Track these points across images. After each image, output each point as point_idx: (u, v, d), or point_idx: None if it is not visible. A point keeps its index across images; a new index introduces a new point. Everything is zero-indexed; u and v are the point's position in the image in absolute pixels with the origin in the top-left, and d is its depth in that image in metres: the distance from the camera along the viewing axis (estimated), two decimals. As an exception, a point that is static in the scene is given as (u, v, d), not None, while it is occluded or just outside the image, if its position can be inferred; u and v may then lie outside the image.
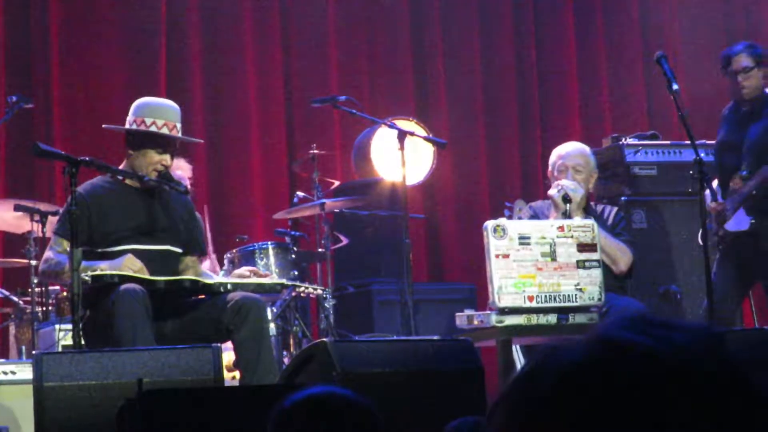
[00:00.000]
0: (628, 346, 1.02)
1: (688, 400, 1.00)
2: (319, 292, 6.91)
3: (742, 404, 1.01)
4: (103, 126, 6.05)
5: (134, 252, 5.50)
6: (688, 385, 1.00)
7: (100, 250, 5.53)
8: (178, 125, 5.71)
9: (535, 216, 6.27)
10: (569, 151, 6.37)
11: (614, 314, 5.76)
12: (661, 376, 1.00)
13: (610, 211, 6.43)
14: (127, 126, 5.71)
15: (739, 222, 6.74)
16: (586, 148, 6.44)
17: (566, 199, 6.11)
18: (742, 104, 6.94)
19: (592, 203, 6.42)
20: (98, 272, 5.32)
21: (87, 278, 5.25)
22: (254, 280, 5.74)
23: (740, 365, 1.04)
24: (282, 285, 6.00)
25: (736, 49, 7.04)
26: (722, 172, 6.90)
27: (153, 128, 5.64)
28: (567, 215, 6.03)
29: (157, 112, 5.70)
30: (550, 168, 6.42)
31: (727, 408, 1.00)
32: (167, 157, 5.68)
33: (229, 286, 5.56)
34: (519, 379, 1.06)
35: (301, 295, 7.07)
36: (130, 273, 5.36)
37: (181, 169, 7.23)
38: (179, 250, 5.74)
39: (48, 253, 5.61)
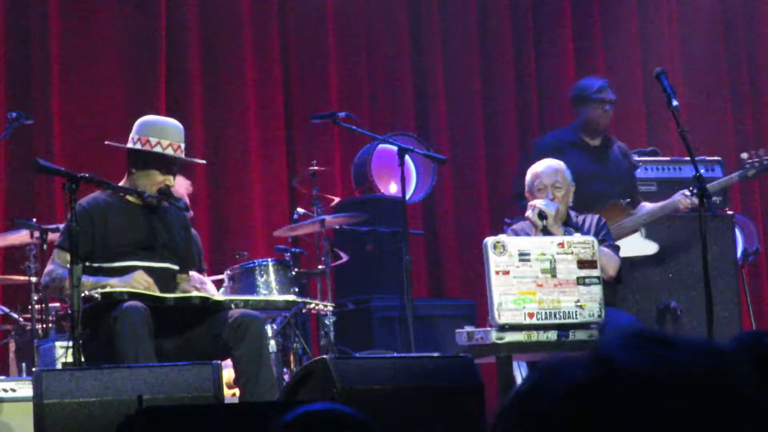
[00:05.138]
0: (628, 367, 1.03)
1: (687, 420, 1.00)
2: (330, 308, 6.90)
3: (744, 422, 1.01)
4: (106, 142, 6.00)
5: (133, 269, 5.48)
6: (686, 405, 1.01)
7: (96, 265, 5.50)
8: (182, 145, 5.68)
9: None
10: (544, 169, 6.38)
11: (611, 331, 5.76)
12: (660, 397, 1.01)
13: (592, 220, 6.45)
14: (130, 144, 5.66)
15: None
16: (561, 163, 6.45)
17: (542, 215, 6.12)
18: (593, 134, 7.29)
19: (573, 213, 6.42)
20: (108, 289, 5.29)
21: (97, 296, 5.22)
22: (264, 296, 5.70)
23: (744, 382, 1.04)
24: (293, 302, 5.98)
25: (604, 83, 7.40)
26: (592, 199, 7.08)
27: (158, 148, 5.58)
28: (546, 232, 6.04)
29: (162, 131, 5.65)
30: (526, 189, 6.41)
31: (728, 427, 1.00)
32: (171, 177, 5.65)
33: (240, 303, 5.53)
34: (520, 395, 1.06)
35: (312, 311, 7.06)
36: (141, 290, 5.33)
37: (180, 186, 7.21)
38: (177, 268, 5.72)
39: (50, 267, 5.56)
